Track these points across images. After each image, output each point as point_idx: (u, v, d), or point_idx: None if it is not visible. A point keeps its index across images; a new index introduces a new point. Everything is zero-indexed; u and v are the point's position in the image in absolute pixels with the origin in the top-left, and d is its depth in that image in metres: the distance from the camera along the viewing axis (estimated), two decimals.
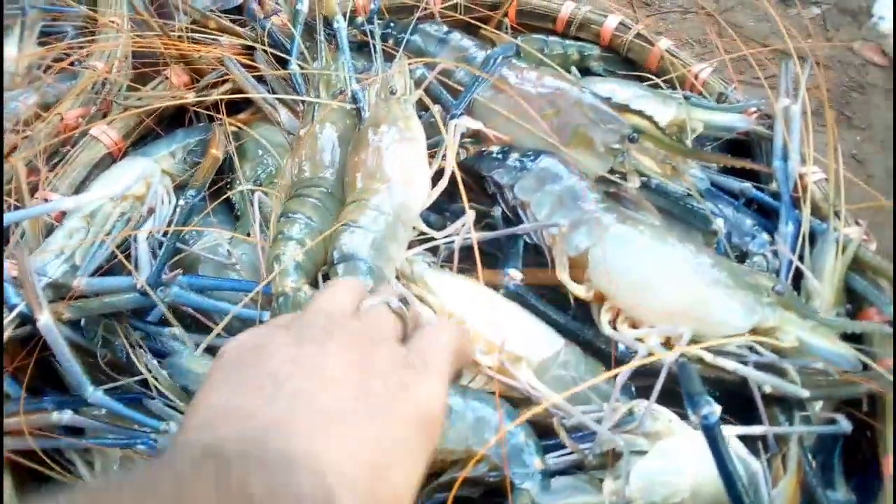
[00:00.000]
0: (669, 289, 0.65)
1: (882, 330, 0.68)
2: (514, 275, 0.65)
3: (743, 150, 0.87)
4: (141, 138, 0.83)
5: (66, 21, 1.00)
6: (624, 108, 0.74)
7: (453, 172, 0.71)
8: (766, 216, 0.81)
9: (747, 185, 0.82)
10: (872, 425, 0.67)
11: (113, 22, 0.92)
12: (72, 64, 0.91)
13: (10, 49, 0.93)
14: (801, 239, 0.75)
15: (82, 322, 0.65)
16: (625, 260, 0.67)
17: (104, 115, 0.82)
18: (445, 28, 0.88)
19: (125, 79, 0.87)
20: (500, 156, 0.74)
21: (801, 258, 0.74)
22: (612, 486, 0.52)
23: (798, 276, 0.74)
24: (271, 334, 0.34)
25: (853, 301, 0.74)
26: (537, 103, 0.74)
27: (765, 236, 0.78)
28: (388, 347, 0.35)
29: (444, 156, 0.70)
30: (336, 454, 0.27)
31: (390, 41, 0.87)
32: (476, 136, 0.76)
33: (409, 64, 0.74)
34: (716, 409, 0.49)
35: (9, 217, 0.63)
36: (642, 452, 0.56)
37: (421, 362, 0.34)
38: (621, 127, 0.73)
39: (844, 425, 0.60)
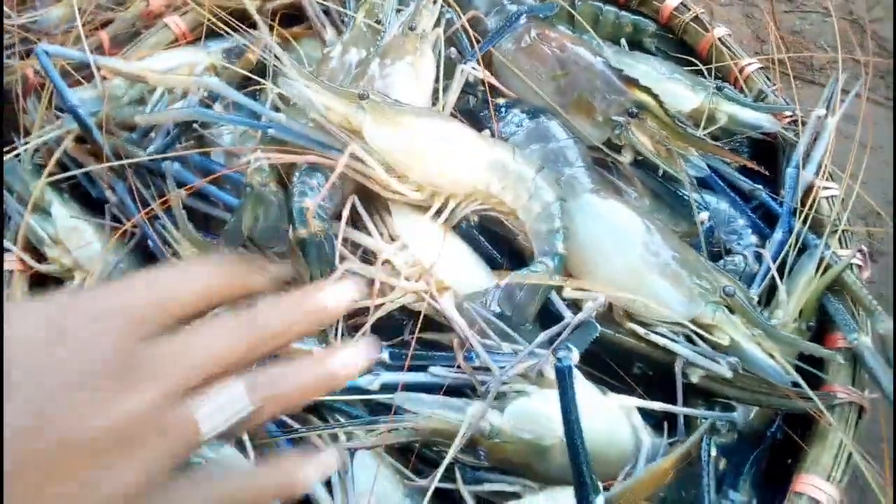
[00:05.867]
0: (617, 264, 0.67)
1: (832, 357, 0.67)
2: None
3: (769, 152, 0.85)
4: (208, 36, 0.93)
5: None
6: (633, 83, 0.74)
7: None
8: (773, 224, 0.79)
9: (759, 188, 0.80)
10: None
11: None
12: None
13: None
14: (789, 248, 0.73)
15: None
16: (584, 227, 0.69)
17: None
18: None
19: None
20: (501, 108, 0.77)
21: (784, 266, 0.73)
22: (477, 408, 0.55)
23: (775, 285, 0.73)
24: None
25: (824, 322, 0.72)
26: (549, 63, 0.77)
27: (752, 238, 0.77)
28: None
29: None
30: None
31: None
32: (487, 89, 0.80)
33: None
34: (573, 357, 0.52)
35: (59, 50, 0.75)
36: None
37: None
38: (625, 100, 0.74)
39: (735, 415, 0.60)
